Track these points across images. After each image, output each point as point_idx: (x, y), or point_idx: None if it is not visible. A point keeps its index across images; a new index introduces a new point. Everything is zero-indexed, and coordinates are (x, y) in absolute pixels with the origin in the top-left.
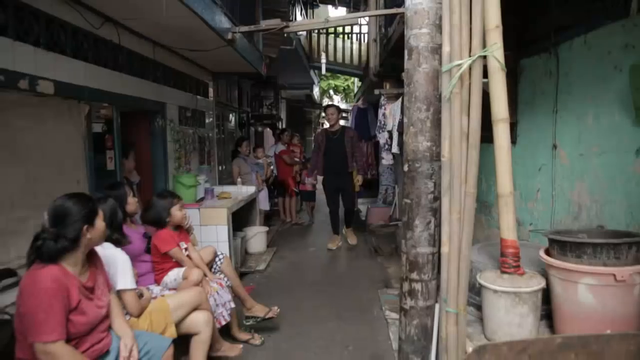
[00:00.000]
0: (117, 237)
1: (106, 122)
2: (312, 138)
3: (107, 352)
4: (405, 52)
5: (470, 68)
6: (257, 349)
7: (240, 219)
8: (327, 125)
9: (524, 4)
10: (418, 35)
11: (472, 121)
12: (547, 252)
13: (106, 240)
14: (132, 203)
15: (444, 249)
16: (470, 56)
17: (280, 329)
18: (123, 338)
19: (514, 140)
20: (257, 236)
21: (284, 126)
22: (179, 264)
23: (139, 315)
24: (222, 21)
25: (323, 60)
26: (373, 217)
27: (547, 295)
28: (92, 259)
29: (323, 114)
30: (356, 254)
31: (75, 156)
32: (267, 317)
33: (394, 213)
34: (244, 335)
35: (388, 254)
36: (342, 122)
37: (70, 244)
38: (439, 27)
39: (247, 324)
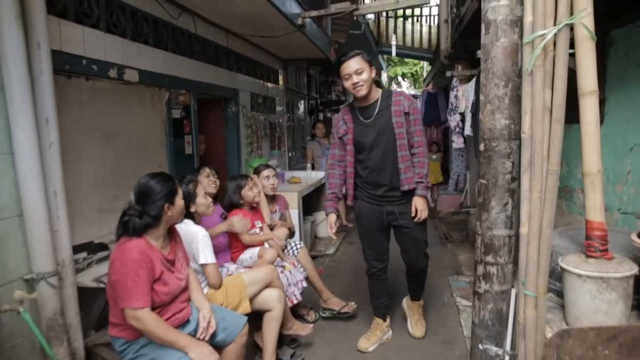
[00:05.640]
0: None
1: (184, 108)
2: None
3: (188, 321)
4: (482, 26)
5: (555, 38)
6: (327, 329)
7: (309, 203)
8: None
9: None
10: (496, 8)
11: (557, 94)
12: None
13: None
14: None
15: (523, 230)
16: (555, 25)
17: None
18: (202, 310)
19: (601, 118)
20: (326, 221)
21: None
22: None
23: (219, 287)
24: (292, 6)
25: (393, 43)
26: (443, 204)
27: (639, 283)
28: (172, 235)
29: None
30: None
31: (157, 140)
32: (342, 311)
33: (464, 200)
34: (300, 310)
35: (459, 241)
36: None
37: (153, 220)
38: None
39: (324, 315)
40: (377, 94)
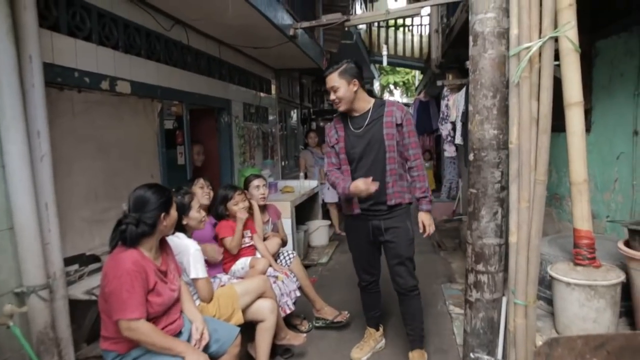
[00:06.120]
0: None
1: (176, 119)
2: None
3: (180, 333)
4: (470, 38)
5: (540, 51)
6: (320, 339)
7: (302, 212)
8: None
9: None
10: (483, 20)
11: (543, 105)
12: (627, 244)
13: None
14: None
15: (512, 239)
16: (540, 38)
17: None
18: (194, 322)
19: (588, 127)
20: (319, 230)
21: None
22: (246, 253)
23: (210, 301)
24: (284, 17)
25: (384, 53)
26: (436, 211)
27: (627, 290)
28: (163, 246)
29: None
30: (419, 249)
31: (149, 151)
32: (335, 320)
33: (457, 207)
34: (293, 320)
35: (451, 249)
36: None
37: (149, 229)
38: (505, 11)
39: (317, 325)
40: (368, 104)
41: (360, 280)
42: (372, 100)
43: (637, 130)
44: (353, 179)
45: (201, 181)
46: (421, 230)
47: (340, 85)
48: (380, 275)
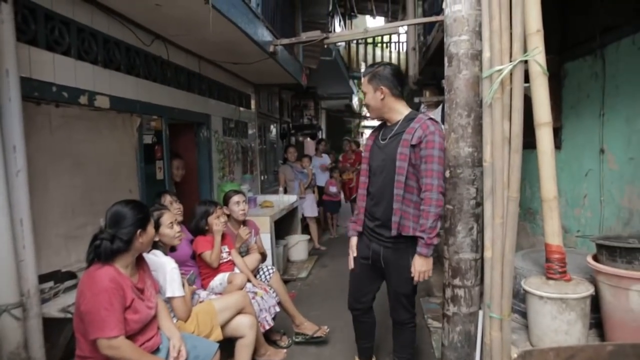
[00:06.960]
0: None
1: (155, 133)
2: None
3: (158, 350)
4: (445, 59)
5: (511, 73)
6: (300, 354)
7: (282, 227)
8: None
9: (568, 6)
10: (458, 43)
11: (514, 125)
12: (595, 259)
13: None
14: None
15: (487, 254)
16: (511, 61)
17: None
18: (171, 339)
19: (558, 145)
20: (298, 244)
21: (323, 136)
22: (225, 269)
23: (186, 319)
24: (264, 34)
25: (363, 69)
26: None
27: (596, 303)
28: (140, 263)
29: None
30: None
31: (128, 166)
32: (315, 335)
33: None
34: (273, 335)
35: None
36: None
37: (125, 246)
38: (478, 34)
39: (297, 340)
40: (399, 115)
41: (348, 304)
42: (405, 112)
43: (604, 149)
44: (368, 193)
45: (168, 197)
46: (411, 275)
47: (367, 91)
48: (373, 304)
